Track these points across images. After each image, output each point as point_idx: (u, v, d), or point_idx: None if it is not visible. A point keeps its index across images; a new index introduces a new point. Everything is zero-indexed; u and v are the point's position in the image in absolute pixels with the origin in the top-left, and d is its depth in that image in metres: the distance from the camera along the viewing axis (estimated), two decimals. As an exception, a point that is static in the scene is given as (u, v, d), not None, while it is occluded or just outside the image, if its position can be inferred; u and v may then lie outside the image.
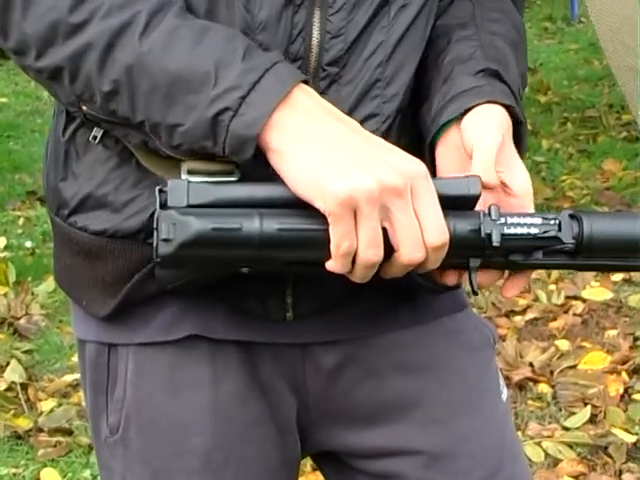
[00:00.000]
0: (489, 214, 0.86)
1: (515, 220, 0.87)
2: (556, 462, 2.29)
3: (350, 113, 0.93)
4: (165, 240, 0.82)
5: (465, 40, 0.98)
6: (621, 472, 2.25)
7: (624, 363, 2.63)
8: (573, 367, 2.65)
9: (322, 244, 0.83)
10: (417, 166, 0.85)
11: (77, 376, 2.80)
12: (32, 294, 3.30)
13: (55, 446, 2.50)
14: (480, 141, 0.91)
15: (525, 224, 0.86)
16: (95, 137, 0.96)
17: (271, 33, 0.90)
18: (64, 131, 0.99)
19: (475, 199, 0.87)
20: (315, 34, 0.92)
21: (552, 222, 0.87)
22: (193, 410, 1.01)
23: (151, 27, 0.85)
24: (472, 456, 1.07)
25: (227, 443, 1.02)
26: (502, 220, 0.86)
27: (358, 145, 0.84)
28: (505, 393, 1.13)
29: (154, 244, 0.83)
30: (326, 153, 0.83)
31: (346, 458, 1.08)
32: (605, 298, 3.02)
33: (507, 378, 2.60)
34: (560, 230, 0.87)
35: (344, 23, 0.92)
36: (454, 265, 0.89)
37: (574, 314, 2.95)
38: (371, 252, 0.83)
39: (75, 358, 2.92)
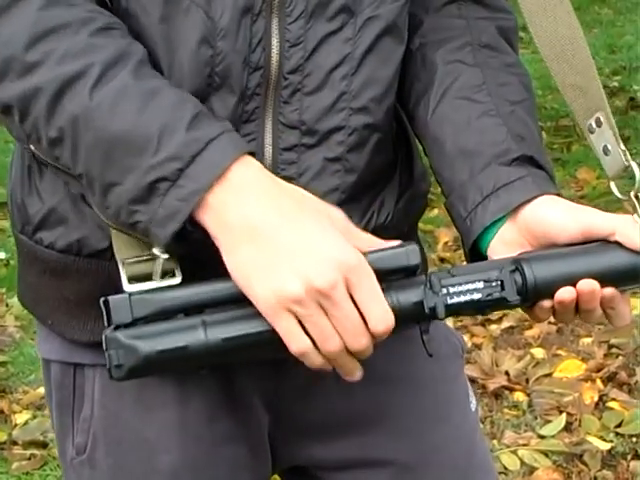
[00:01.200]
0: (431, 286, 0.86)
1: (457, 289, 0.86)
2: (532, 470, 2.30)
3: (315, 124, 0.93)
4: (116, 366, 0.84)
5: (486, 116, 0.96)
6: (596, 479, 2.26)
7: (599, 371, 2.65)
8: (548, 375, 2.66)
9: (271, 344, 0.84)
10: (351, 254, 0.83)
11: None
12: (6, 305, 3.28)
13: (29, 459, 2.48)
14: (599, 223, 0.90)
15: (468, 291, 0.87)
16: None
17: (231, 40, 0.89)
18: (27, 147, 0.97)
19: (416, 269, 0.87)
20: (274, 43, 0.91)
21: (494, 284, 0.87)
22: (161, 428, 1.00)
23: (103, 81, 0.84)
24: (442, 466, 1.07)
25: (196, 463, 1.01)
26: (444, 291, 0.86)
27: (290, 235, 0.82)
28: (474, 403, 1.13)
29: (107, 366, 0.85)
30: (256, 248, 0.82)
31: (315, 471, 1.08)
32: (580, 306, 3.03)
33: (483, 387, 2.61)
34: (503, 289, 0.87)
35: (302, 32, 0.92)
36: (401, 331, 0.89)
37: (549, 322, 2.96)
38: (328, 344, 0.83)
39: (50, 370, 2.90)
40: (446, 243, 3.44)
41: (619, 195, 0.94)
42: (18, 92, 0.85)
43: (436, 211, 3.47)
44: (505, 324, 2.96)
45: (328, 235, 0.83)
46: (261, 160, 0.91)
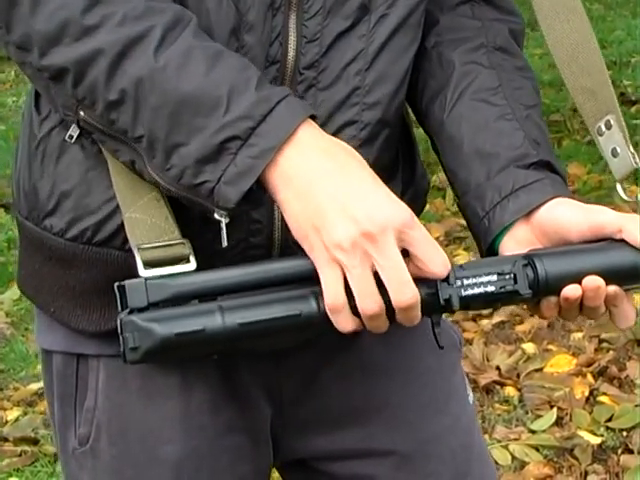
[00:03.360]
0: (446, 278, 0.87)
1: (471, 281, 0.88)
2: (523, 465, 2.30)
3: (328, 119, 0.94)
4: (132, 349, 0.84)
5: (503, 119, 0.98)
6: (587, 474, 2.27)
7: (589, 365, 2.65)
8: (539, 370, 2.67)
9: (286, 329, 0.85)
10: (402, 207, 0.85)
11: (43, 385, 2.78)
12: (-3, 302, 3.27)
13: (20, 455, 2.48)
14: (607, 221, 0.91)
15: (482, 283, 0.88)
16: (71, 136, 0.95)
17: (257, 34, 0.91)
18: (39, 130, 0.98)
19: None
20: (291, 38, 0.92)
21: (507, 277, 0.88)
22: (165, 419, 1.00)
23: (167, 43, 0.84)
24: (441, 457, 1.08)
25: (199, 452, 1.01)
26: (458, 283, 0.87)
27: (345, 186, 0.84)
28: (471, 397, 1.14)
29: (121, 349, 0.85)
30: (313, 199, 0.84)
31: (316, 463, 1.08)
32: (571, 301, 3.04)
33: (474, 382, 2.61)
34: (516, 282, 0.88)
35: (319, 28, 0.93)
36: None
37: (541, 317, 2.97)
38: (366, 302, 0.83)
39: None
40: (437, 238, 3.45)
41: (625, 197, 0.96)
42: (76, 55, 0.85)
43: (427, 206, 3.48)
44: (496, 319, 2.97)
45: (380, 189, 0.85)
46: None
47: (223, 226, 0.86)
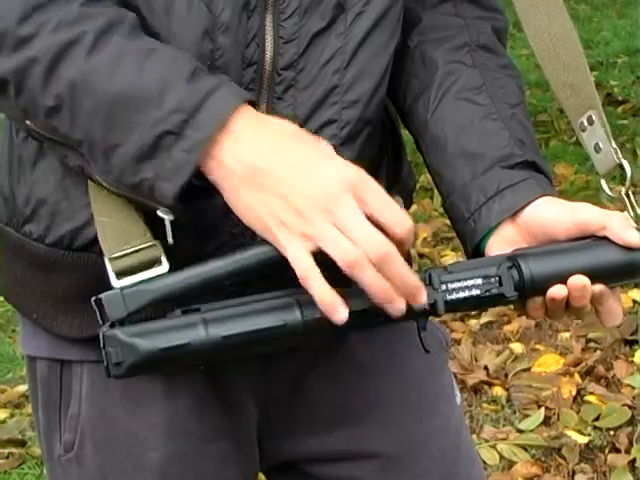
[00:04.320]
0: (430, 282, 0.87)
1: (456, 285, 0.88)
2: (511, 464, 2.31)
3: (308, 118, 0.94)
4: (115, 364, 0.83)
5: (488, 119, 0.97)
6: (574, 473, 2.27)
7: (577, 365, 2.66)
8: (527, 370, 2.68)
9: (268, 340, 0.85)
10: (352, 170, 0.84)
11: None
12: (-17, 303, 3.26)
13: (8, 457, 2.47)
14: (591, 218, 0.91)
15: (467, 287, 0.88)
16: None
17: (232, 35, 0.90)
18: (17, 136, 0.97)
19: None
20: (268, 39, 0.92)
21: (493, 280, 0.88)
22: (150, 425, 1.00)
23: (99, 46, 0.84)
24: (429, 458, 1.08)
25: (184, 458, 1.01)
26: (443, 287, 0.87)
27: (288, 169, 0.83)
28: (459, 397, 1.14)
29: (104, 364, 0.84)
30: (258, 188, 0.83)
31: (302, 465, 1.08)
32: (558, 301, 3.05)
33: (462, 382, 2.61)
34: (501, 285, 0.88)
35: (296, 28, 0.93)
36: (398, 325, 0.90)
37: (528, 317, 2.98)
38: (348, 255, 0.81)
39: (28, 368, 2.89)
40: (425, 239, 3.45)
41: (609, 193, 0.95)
42: (13, 65, 0.85)
43: (415, 207, 3.48)
44: (484, 319, 2.98)
45: (326, 158, 0.84)
46: None
47: (167, 224, 0.86)
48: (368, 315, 0.86)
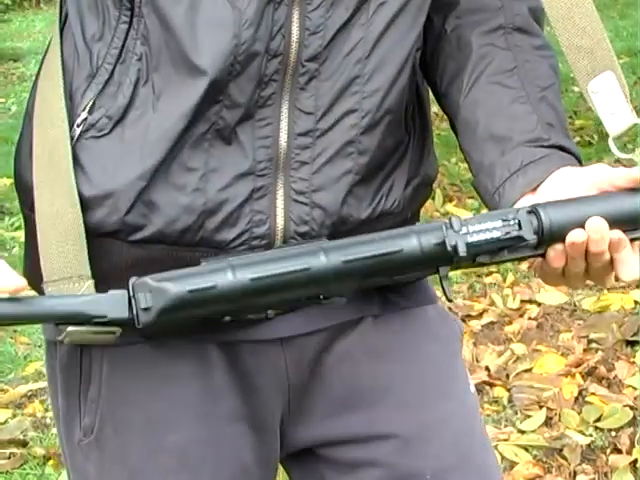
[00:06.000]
0: (451, 226, 0.89)
1: (477, 227, 0.89)
2: (512, 465, 2.31)
3: (329, 108, 0.95)
4: (145, 309, 0.85)
5: (517, 103, 0.99)
6: (575, 474, 2.27)
7: (578, 366, 2.66)
8: (528, 370, 2.68)
9: (299, 283, 0.87)
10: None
11: (32, 387, 2.77)
12: (-15, 304, 3.26)
13: (9, 458, 2.47)
14: (608, 173, 0.92)
15: (487, 229, 0.89)
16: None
17: (255, 30, 0.92)
18: None
19: None
20: (294, 31, 0.93)
21: (512, 222, 0.90)
22: (168, 407, 1.01)
23: None
24: (443, 441, 1.08)
25: (203, 440, 1.02)
26: (464, 230, 0.89)
27: None
28: (472, 387, 1.14)
29: (134, 312, 0.86)
30: None
31: (318, 450, 1.08)
32: (560, 302, 3.05)
33: (463, 382, 2.61)
34: (521, 228, 0.90)
35: (323, 20, 0.94)
36: (421, 274, 0.93)
37: (529, 318, 2.98)
38: None
39: (30, 369, 2.89)
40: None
41: (618, 154, 0.95)
42: None
43: (416, 207, 3.48)
44: (485, 319, 2.98)
45: None
46: (275, 145, 0.95)
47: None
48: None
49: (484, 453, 1.13)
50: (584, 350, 2.74)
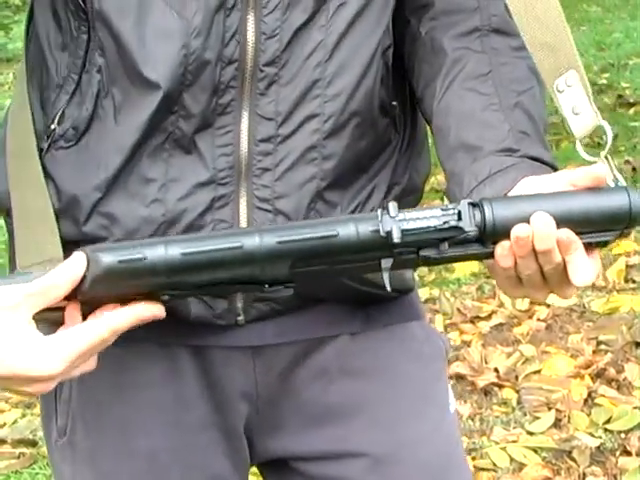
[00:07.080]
0: (387, 212, 0.86)
1: (414, 215, 0.86)
2: (521, 467, 2.30)
3: (290, 114, 0.94)
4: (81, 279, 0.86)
5: (489, 110, 0.95)
6: (585, 476, 2.27)
7: (588, 367, 2.66)
8: (537, 372, 2.67)
9: (231, 262, 0.85)
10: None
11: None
12: (-5, 304, 3.27)
13: (19, 457, 2.47)
14: (562, 177, 0.88)
15: (424, 217, 0.86)
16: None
17: (204, 38, 0.91)
18: None
19: None
20: (250, 36, 0.92)
21: (451, 212, 0.86)
22: (138, 412, 1.01)
23: None
24: (416, 462, 1.07)
25: (172, 448, 1.02)
26: (401, 216, 0.86)
27: None
28: (453, 405, 1.13)
29: None
30: None
31: (292, 463, 1.08)
32: (569, 303, 3.04)
33: (472, 384, 2.61)
34: (460, 219, 0.86)
35: (279, 23, 0.93)
36: (367, 268, 0.89)
37: (538, 319, 2.98)
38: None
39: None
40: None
41: (586, 156, 0.92)
42: None
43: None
44: (494, 321, 2.97)
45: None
46: (236, 153, 0.93)
47: None
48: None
49: (458, 475, 1.11)
50: (593, 352, 2.74)
